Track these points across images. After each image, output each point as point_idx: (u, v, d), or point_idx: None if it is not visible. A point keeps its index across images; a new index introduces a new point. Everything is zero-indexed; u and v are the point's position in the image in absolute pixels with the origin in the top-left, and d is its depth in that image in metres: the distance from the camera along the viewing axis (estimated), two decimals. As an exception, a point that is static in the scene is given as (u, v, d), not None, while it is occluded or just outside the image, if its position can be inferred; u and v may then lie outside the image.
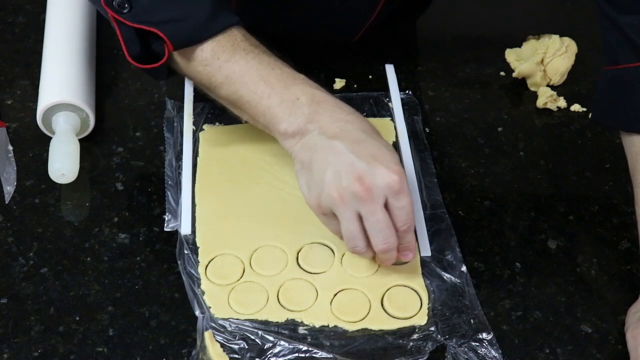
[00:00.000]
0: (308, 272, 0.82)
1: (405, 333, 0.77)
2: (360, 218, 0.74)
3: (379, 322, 0.78)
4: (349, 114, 0.78)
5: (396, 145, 0.94)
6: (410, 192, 0.74)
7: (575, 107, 1.01)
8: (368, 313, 0.79)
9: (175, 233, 0.85)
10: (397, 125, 0.96)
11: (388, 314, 0.79)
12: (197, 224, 0.86)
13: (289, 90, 0.78)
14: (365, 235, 0.75)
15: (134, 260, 0.84)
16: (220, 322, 0.78)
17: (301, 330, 0.78)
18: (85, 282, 0.82)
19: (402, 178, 0.73)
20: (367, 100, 1.00)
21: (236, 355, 0.75)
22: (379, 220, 0.73)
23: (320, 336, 0.77)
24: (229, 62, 0.80)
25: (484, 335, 0.77)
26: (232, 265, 0.83)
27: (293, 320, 0.78)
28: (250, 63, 0.80)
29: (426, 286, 0.81)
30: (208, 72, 0.81)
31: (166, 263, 0.83)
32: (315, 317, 0.79)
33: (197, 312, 0.78)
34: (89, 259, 0.84)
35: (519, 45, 1.05)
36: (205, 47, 0.80)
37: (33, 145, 0.95)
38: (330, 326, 0.78)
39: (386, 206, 0.74)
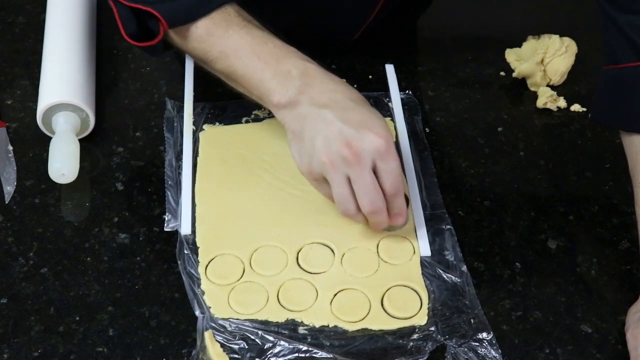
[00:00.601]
0: (308, 272, 0.82)
1: (405, 333, 0.77)
2: (350, 182, 0.77)
3: (379, 322, 0.78)
4: (338, 84, 0.81)
5: (396, 145, 0.94)
6: (398, 157, 0.77)
7: (575, 107, 1.01)
8: (368, 313, 0.79)
9: (175, 233, 0.85)
10: (397, 125, 0.97)
11: (388, 314, 0.79)
12: (197, 224, 0.86)
13: (281, 64, 0.80)
14: (355, 198, 0.78)
15: (134, 260, 0.84)
16: (220, 322, 0.78)
17: (301, 330, 0.78)
18: (85, 282, 0.82)
19: (389, 142, 0.76)
20: (367, 100, 1.00)
21: (236, 355, 0.75)
22: (367, 183, 0.76)
23: (320, 336, 0.77)
24: (222, 38, 0.83)
25: (484, 335, 0.77)
26: (232, 265, 0.83)
27: (293, 320, 0.78)
28: (244, 38, 0.82)
29: (426, 286, 0.81)
30: (203, 48, 0.84)
31: (166, 263, 0.83)
32: (315, 317, 0.79)
33: (197, 312, 0.78)
34: (89, 259, 0.84)
35: (519, 45, 1.05)
36: (200, 25, 0.83)
37: (33, 145, 0.95)
38: (330, 326, 0.78)
39: (375, 172, 0.76)
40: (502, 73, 1.06)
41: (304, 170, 0.80)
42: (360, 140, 0.75)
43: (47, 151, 0.91)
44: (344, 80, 0.82)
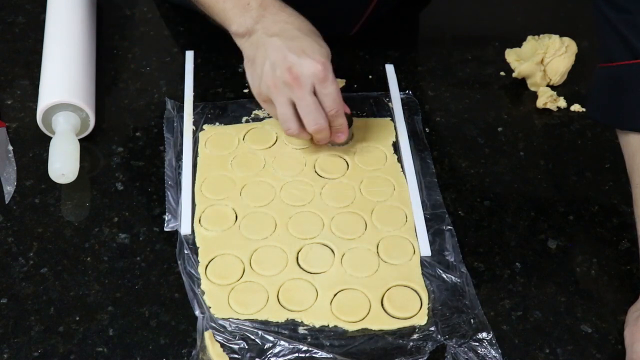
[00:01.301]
0: (308, 272, 0.82)
1: (405, 333, 0.77)
2: (293, 104, 0.86)
3: (379, 322, 0.78)
4: (290, 15, 0.89)
5: (396, 145, 0.94)
6: (336, 81, 0.86)
7: (575, 107, 1.01)
8: (368, 313, 0.79)
9: (175, 233, 0.85)
10: (397, 125, 0.97)
11: (388, 314, 0.79)
12: (195, 225, 0.86)
13: None
14: (299, 118, 0.86)
15: (134, 260, 0.84)
16: (220, 322, 0.78)
17: (301, 330, 0.78)
18: (85, 282, 0.82)
19: (327, 68, 0.84)
20: (367, 100, 1.00)
21: (236, 355, 0.75)
22: (308, 104, 0.85)
23: (320, 336, 0.77)
24: None
25: (484, 335, 0.77)
26: (232, 265, 0.82)
27: (293, 320, 0.78)
28: None
29: (426, 286, 0.81)
30: None
31: (166, 263, 0.83)
32: (315, 317, 0.78)
33: (197, 312, 0.78)
34: (89, 259, 0.84)
35: (519, 45, 1.05)
36: None
37: (33, 145, 0.95)
38: (330, 326, 0.78)
39: (317, 95, 0.85)
40: (502, 73, 1.06)
41: (255, 92, 0.89)
42: (300, 65, 0.84)
43: (47, 151, 0.91)
44: (297, 13, 0.89)
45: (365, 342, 0.77)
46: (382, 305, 0.80)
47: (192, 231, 0.85)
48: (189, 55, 1.05)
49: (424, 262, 0.83)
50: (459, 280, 0.81)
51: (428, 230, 0.86)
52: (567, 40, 1.04)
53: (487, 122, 1.00)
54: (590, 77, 1.02)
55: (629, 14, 0.78)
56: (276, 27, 0.87)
